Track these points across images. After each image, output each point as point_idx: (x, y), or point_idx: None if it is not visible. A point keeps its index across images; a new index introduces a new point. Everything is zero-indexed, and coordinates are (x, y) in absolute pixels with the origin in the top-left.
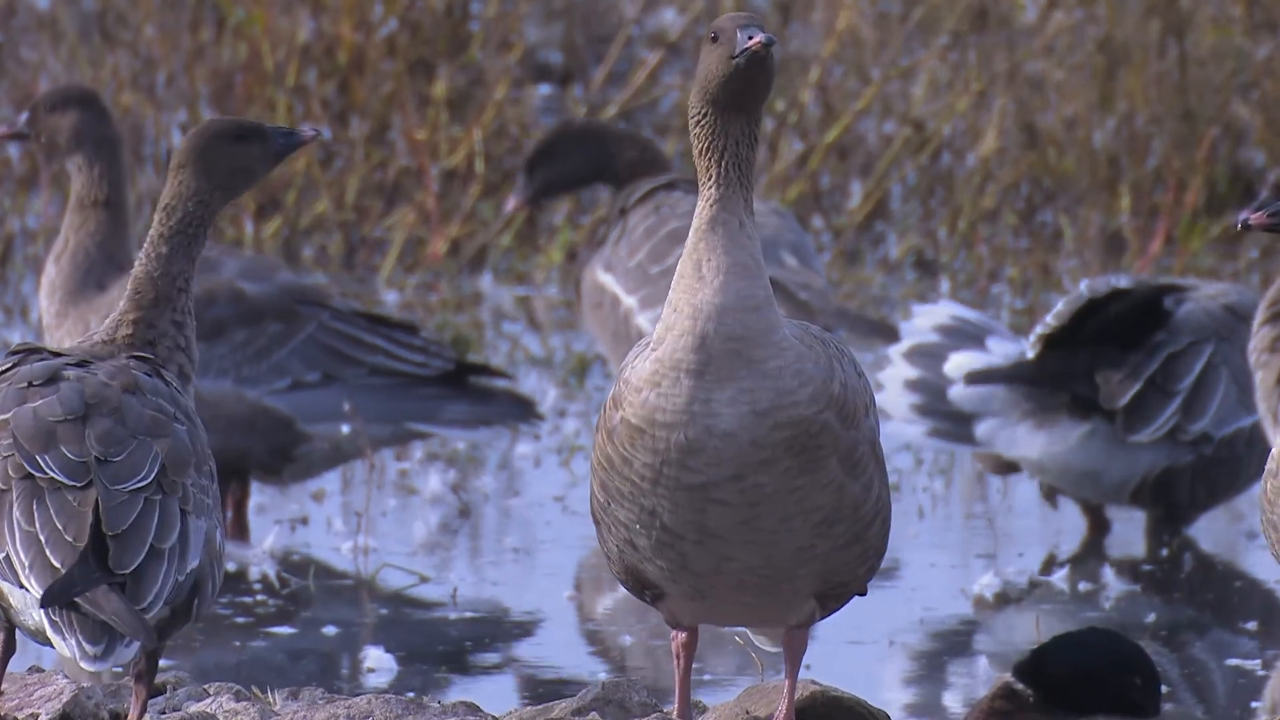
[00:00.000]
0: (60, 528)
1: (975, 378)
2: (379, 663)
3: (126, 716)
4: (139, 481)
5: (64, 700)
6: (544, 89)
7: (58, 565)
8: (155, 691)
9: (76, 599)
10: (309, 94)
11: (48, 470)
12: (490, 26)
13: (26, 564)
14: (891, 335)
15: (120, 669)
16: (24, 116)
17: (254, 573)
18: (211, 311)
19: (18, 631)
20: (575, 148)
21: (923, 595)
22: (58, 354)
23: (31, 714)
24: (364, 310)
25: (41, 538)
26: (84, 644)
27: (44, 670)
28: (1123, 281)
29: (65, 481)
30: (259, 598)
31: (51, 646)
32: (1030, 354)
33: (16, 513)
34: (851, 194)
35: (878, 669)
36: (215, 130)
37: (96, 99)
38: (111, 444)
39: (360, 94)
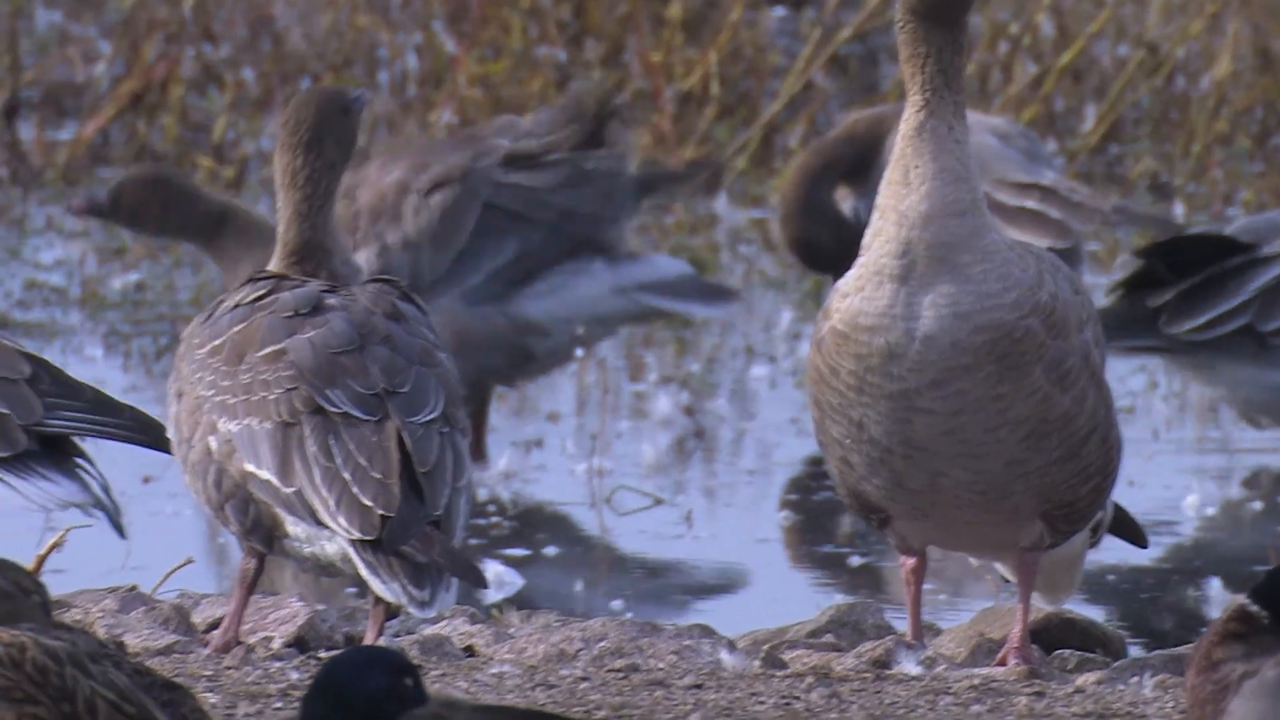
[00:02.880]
0: (364, 464)
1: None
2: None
3: (361, 639)
4: (429, 414)
5: (299, 624)
6: (779, 11)
7: (369, 503)
8: (391, 614)
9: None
10: (544, 16)
11: (339, 405)
12: None
13: (331, 501)
14: (1175, 230)
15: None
16: (103, 193)
17: (486, 494)
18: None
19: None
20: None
21: (1156, 518)
22: (305, 280)
23: (265, 637)
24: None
25: (345, 475)
26: (410, 589)
27: (278, 594)
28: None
29: (359, 416)
30: (492, 520)
31: (321, 574)
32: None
33: (312, 448)
34: (1085, 117)
35: (1109, 591)
36: (333, 105)
37: (176, 180)
38: (395, 374)
39: (596, 16)
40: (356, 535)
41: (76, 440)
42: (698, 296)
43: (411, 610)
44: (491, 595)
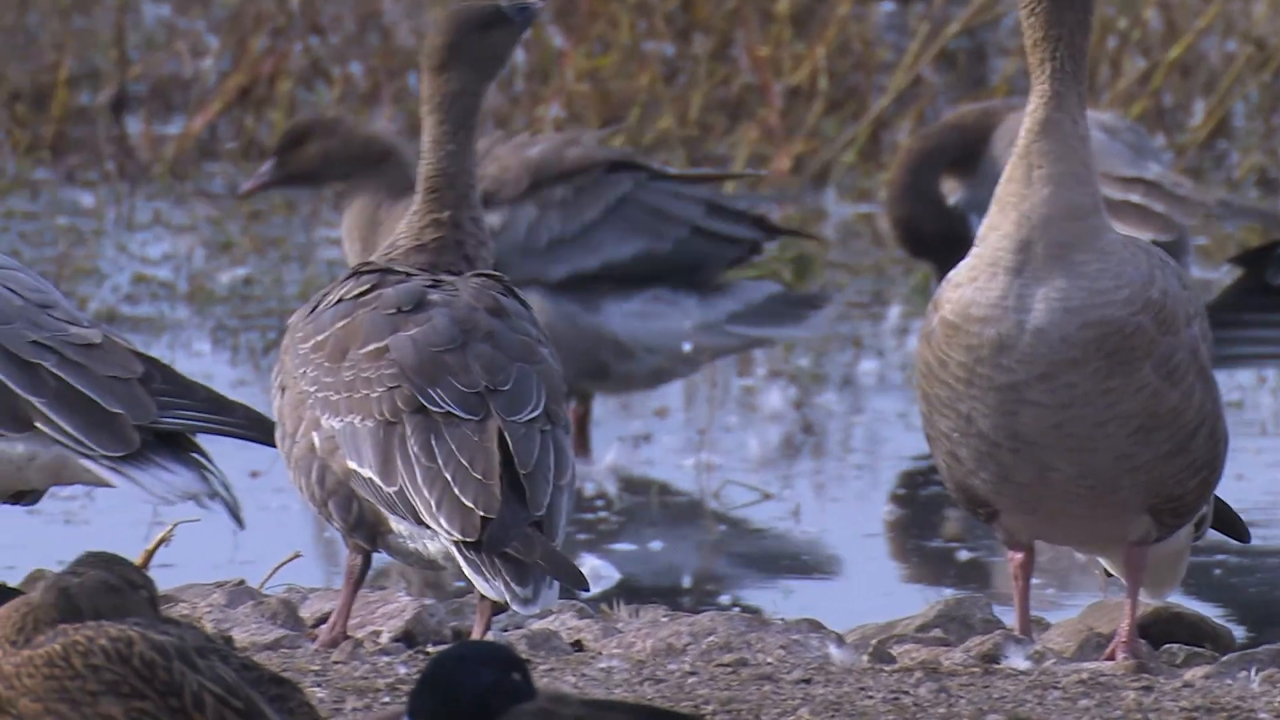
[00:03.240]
0: (466, 464)
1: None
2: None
3: (469, 634)
4: (531, 412)
5: (406, 618)
6: (887, 6)
7: (469, 504)
8: (498, 609)
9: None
10: (652, 10)
11: (442, 404)
12: None
13: (433, 502)
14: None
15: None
16: (267, 165)
17: (594, 489)
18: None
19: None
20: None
21: (1263, 512)
22: (409, 273)
23: (374, 631)
24: (680, 172)
25: (446, 475)
26: (513, 586)
27: (385, 588)
28: None
29: (461, 415)
30: (600, 514)
31: (423, 567)
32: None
33: (414, 448)
34: (1194, 112)
35: (1217, 585)
36: (466, 23)
37: (332, 122)
38: (496, 372)
39: (704, 10)
40: (457, 536)
41: (190, 437)
42: (787, 318)
43: (515, 608)
44: (596, 589)
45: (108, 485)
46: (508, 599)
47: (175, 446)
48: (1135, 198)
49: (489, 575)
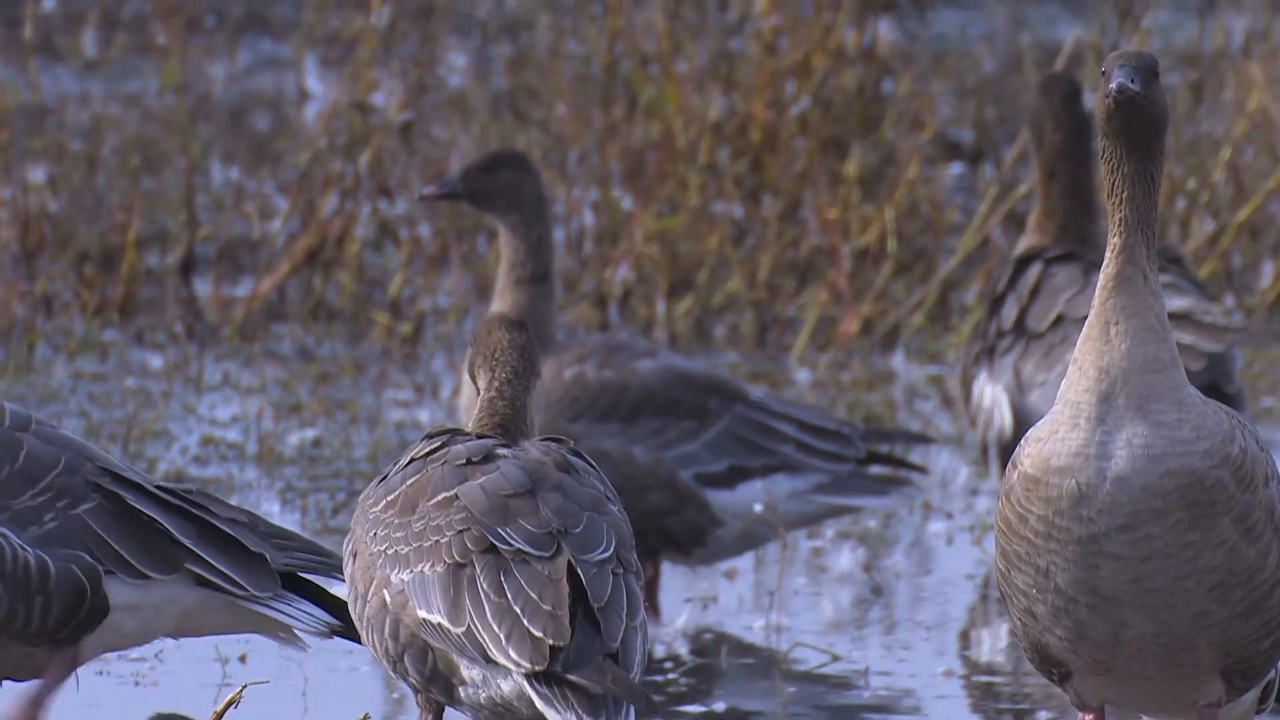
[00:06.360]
0: (535, 597)
1: None
2: None
3: None
4: (602, 553)
5: None
6: (955, 168)
7: (539, 634)
8: None
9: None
10: (721, 172)
11: (512, 542)
12: (902, 105)
13: (502, 636)
14: None
15: None
16: (454, 175)
17: (663, 651)
18: (626, 397)
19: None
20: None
21: None
22: (481, 435)
23: None
24: (778, 409)
25: (516, 608)
26: (583, 717)
27: None
28: None
29: (532, 552)
30: (669, 676)
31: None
32: None
33: (483, 585)
34: (1263, 274)
35: None
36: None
37: (530, 162)
38: (567, 516)
39: (773, 172)
40: (526, 666)
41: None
42: (871, 491)
43: None
44: None
45: (251, 630)
46: None
47: (300, 582)
48: None
49: (561, 707)
